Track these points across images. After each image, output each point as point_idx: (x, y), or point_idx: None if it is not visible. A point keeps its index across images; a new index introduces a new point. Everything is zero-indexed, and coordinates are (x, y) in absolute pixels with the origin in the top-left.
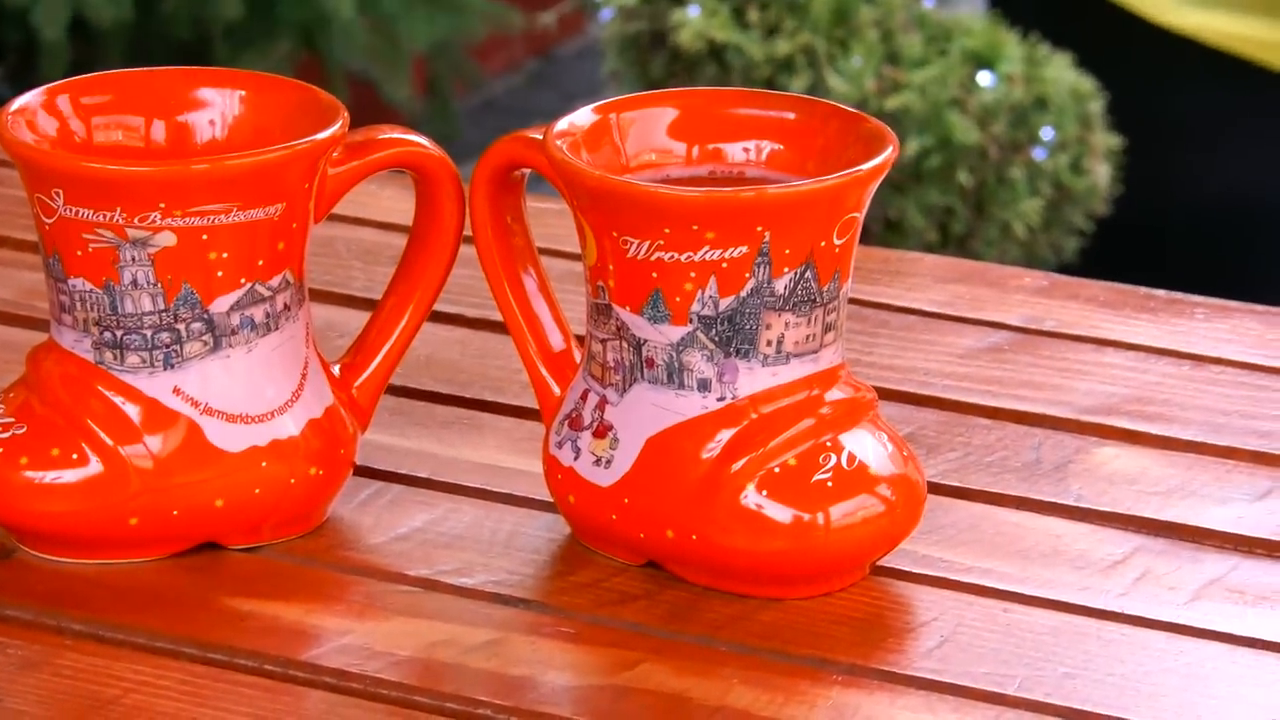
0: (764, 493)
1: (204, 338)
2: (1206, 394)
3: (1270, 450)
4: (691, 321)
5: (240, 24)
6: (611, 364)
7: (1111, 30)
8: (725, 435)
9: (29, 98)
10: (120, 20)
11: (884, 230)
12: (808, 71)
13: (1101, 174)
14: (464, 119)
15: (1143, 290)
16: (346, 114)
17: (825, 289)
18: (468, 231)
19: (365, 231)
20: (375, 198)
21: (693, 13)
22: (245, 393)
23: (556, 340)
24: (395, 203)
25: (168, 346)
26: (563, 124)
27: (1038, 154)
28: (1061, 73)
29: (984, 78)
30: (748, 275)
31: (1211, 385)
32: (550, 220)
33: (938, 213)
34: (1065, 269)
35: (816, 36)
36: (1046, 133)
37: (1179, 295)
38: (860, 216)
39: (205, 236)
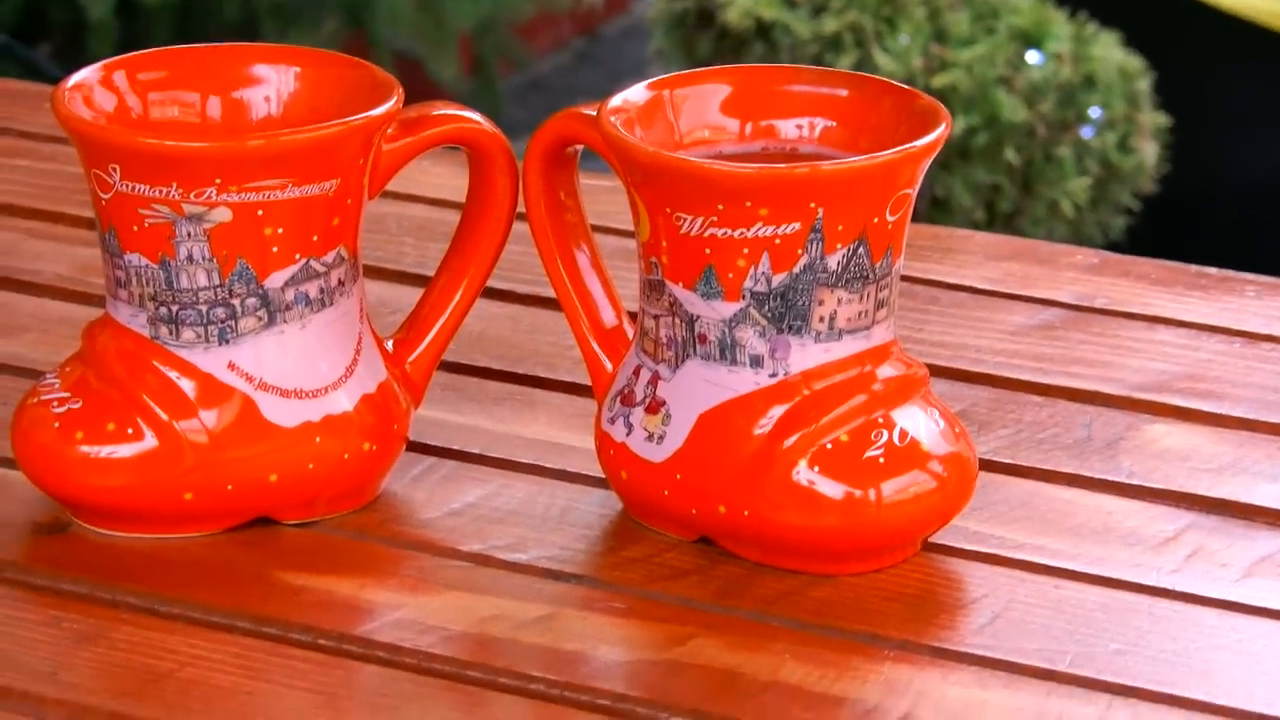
0: (816, 469)
1: (259, 313)
2: (1258, 371)
3: None
4: (744, 298)
5: (287, 3)
6: (664, 340)
7: (1160, 9)
8: (777, 411)
9: (86, 73)
10: None
11: (930, 208)
12: (855, 50)
13: (1149, 152)
14: (509, 98)
15: (1194, 268)
16: (401, 90)
17: (878, 265)
18: (520, 208)
19: (417, 208)
20: (427, 174)
21: None
22: (299, 368)
23: (609, 316)
24: (448, 179)
25: (223, 322)
26: (616, 100)
27: (1085, 132)
28: (1109, 51)
29: (1031, 56)
30: (800, 252)
31: (1263, 363)
32: (603, 197)
33: (985, 191)
34: (1112, 247)
35: (864, 15)
36: (1094, 111)
37: (1230, 273)
38: (913, 193)
39: (261, 212)
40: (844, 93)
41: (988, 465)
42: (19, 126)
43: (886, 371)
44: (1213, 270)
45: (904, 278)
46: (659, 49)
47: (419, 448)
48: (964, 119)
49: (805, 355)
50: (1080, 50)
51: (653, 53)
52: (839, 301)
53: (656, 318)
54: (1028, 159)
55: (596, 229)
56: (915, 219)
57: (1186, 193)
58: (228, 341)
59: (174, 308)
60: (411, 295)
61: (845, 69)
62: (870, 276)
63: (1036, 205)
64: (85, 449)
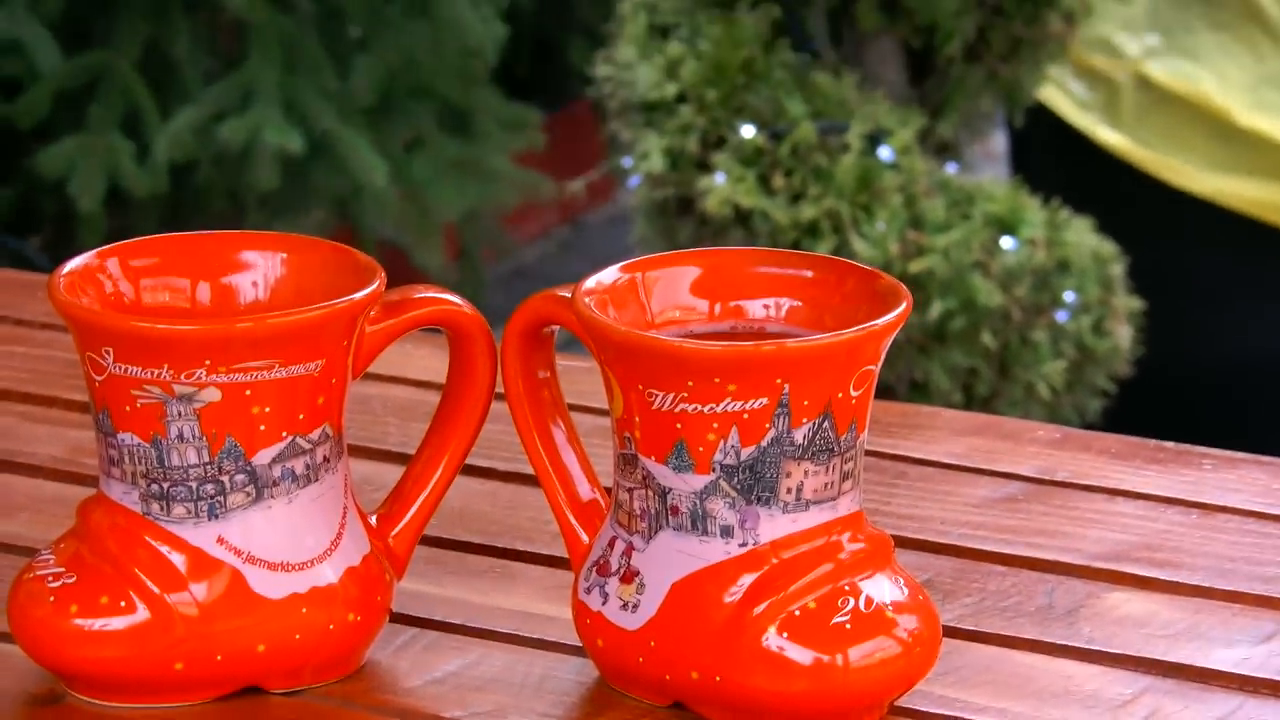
0: (785, 635)
1: (247, 489)
2: (1214, 541)
3: (1275, 595)
4: (714, 470)
5: (274, 193)
6: (638, 512)
7: (1132, 195)
8: (747, 580)
9: (80, 261)
10: (156, 191)
11: (910, 391)
12: (833, 236)
13: (1123, 336)
14: (494, 285)
15: (1153, 442)
16: (383, 274)
17: (843, 439)
18: (499, 387)
19: (400, 389)
20: (411, 357)
21: (719, 179)
22: (286, 542)
23: (585, 490)
24: (430, 361)
25: (212, 498)
26: (591, 282)
27: (1060, 316)
28: (1083, 237)
29: (1006, 241)
30: (768, 426)
31: (1219, 533)
32: (578, 377)
33: (962, 374)
34: (1089, 429)
35: (841, 201)
36: (1069, 295)
37: (1188, 447)
38: (876, 369)
39: (249, 392)
40: (809, 274)
41: (952, 632)
42: (14, 314)
43: (853, 541)
44: (1170, 444)
45: (873, 453)
46: (641, 236)
47: (402, 619)
48: (941, 303)
49: (774, 525)
50: (1054, 236)
51: (635, 240)
52: (805, 474)
53: (630, 490)
54: (1004, 343)
55: (572, 408)
56: (895, 400)
57: (1162, 373)
58: (217, 517)
59: (165, 484)
60: (395, 473)
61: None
62: (835, 449)
63: (1013, 388)
64: (79, 621)
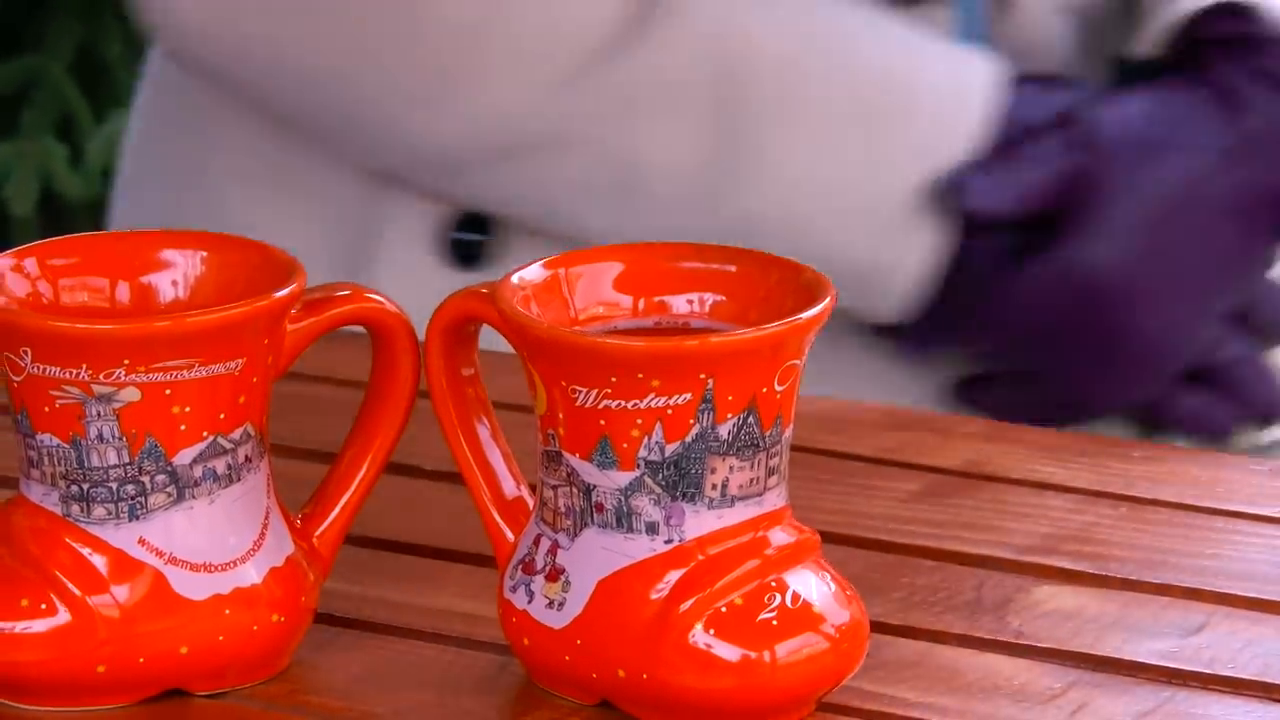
0: (712, 632)
1: (168, 489)
2: (1143, 534)
3: (1204, 587)
4: (639, 467)
5: None
6: (563, 509)
7: None
8: (673, 576)
9: None
10: (89, 195)
11: None
12: None
13: None
14: None
15: (1082, 435)
16: (304, 272)
17: (768, 434)
18: (422, 387)
19: (324, 388)
20: (335, 356)
21: None
22: (208, 542)
23: (510, 488)
24: (354, 360)
25: (133, 498)
26: (514, 279)
27: None
28: None
29: None
30: (692, 421)
31: (1148, 525)
32: (501, 374)
33: None
34: None
35: None
36: None
37: (1117, 439)
38: (800, 364)
39: (169, 391)
40: (733, 269)
41: (880, 627)
42: None
43: (779, 536)
44: (1099, 436)
45: (801, 448)
46: None
47: (327, 619)
48: None
49: (699, 522)
50: None
51: None
52: (731, 469)
53: (555, 488)
54: None
55: (496, 405)
56: None
57: None
58: (138, 518)
59: (85, 485)
60: (319, 472)
61: None
62: (761, 445)
63: None
64: None
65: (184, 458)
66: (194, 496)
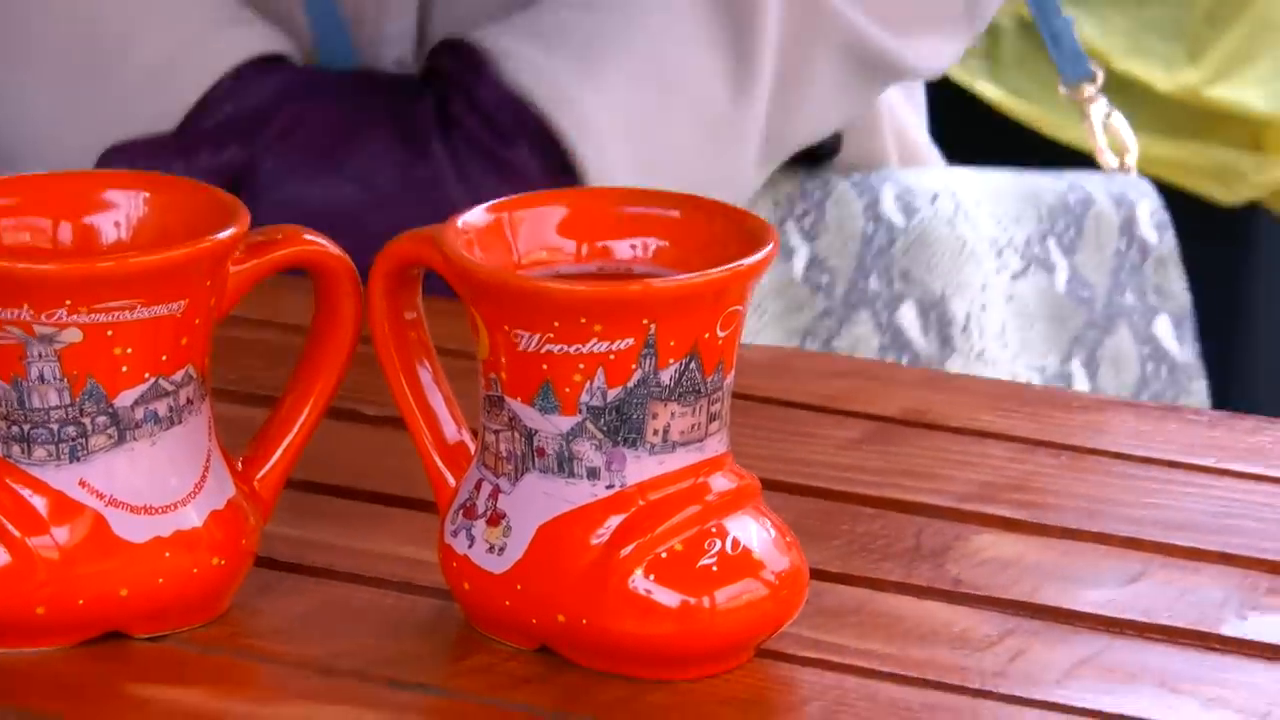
0: (651, 577)
1: (109, 431)
2: (1083, 483)
3: (1142, 536)
4: (580, 412)
5: None
6: (504, 454)
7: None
8: (614, 522)
9: None
10: None
11: None
12: None
13: None
14: None
15: (1022, 384)
16: (247, 214)
17: (710, 380)
18: (365, 332)
19: (268, 332)
20: (279, 300)
21: None
22: (149, 484)
23: (451, 432)
24: (298, 304)
25: (73, 440)
26: (458, 223)
27: None
28: None
29: None
30: (634, 367)
31: (1088, 474)
32: (445, 319)
33: None
34: None
35: None
36: None
37: (1057, 389)
38: (743, 310)
39: (110, 333)
40: (676, 214)
41: (819, 574)
42: None
43: (720, 483)
44: (1039, 386)
45: (739, 395)
46: None
47: (267, 562)
48: None
49: (640, 467)
50: None
51: None
52: (672, 415)
53: (497, 432)
54: None
55: (440, 351)
56: None
57: None
58: (79, 459)
59: (26, 426)
60: (261, 416)
61: None
62: (702, 390)
63: None
64: None
65: (125, 399)
66: (135, 438)
